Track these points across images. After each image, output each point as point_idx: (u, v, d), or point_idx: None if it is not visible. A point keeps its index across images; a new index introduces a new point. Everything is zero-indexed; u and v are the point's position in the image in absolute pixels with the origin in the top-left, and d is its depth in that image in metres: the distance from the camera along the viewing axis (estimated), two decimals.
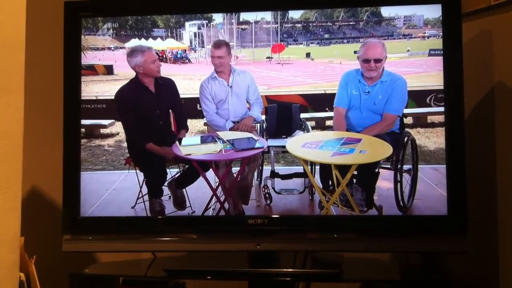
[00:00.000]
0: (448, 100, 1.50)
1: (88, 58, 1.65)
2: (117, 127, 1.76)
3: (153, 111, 1.75)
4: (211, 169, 1.70)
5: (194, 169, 1.70)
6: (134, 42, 1.73)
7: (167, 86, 1.74)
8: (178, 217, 1.69)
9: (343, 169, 1.61)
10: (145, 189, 1.70)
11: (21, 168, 1.20)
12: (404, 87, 1.64)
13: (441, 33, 1.52)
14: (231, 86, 1.79)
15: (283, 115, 1.82)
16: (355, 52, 1.66)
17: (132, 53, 1.70)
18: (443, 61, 1.51)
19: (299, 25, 1.81)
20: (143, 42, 1.73)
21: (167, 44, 1.81)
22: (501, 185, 1.57)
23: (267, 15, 1.70)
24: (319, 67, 1.88)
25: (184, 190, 1.75)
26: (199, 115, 1.81)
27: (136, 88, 1.72)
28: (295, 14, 1.74)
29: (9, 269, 1.17)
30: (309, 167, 1.69)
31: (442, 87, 1.51)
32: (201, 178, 1.69)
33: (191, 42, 1.87)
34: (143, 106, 1.74)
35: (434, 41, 1.56)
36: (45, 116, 1.91)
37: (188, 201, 1.72)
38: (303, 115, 1.83)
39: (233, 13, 1.68)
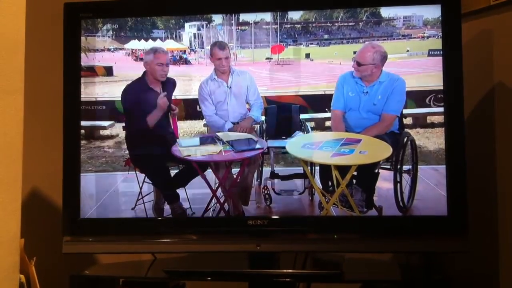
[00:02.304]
0: (448, 100, 1.50)
1: (88, 59, 1.65)
2: (117, 129, 1.76)
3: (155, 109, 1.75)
4: (210, 170, 1.70)
5: (188, 171, 1.70)
6: (133, 44, 1.73)
7: (169, 84, 1.74)
8: (178, 219, 1.69)
9: (343, 169, 1.60)
10: (145, 190, 1.70)
11: (21, 170, 1.20)
12: (403, 87, 1.64)
13: (440, 33, 1.51)
14: (230, 87, 1.79)
15: (282, 116, 1.82)
16: (354, 52, 1.66)
17: (148, 51, 1.71)
18: (442, 62, 1.51)
19: (299, 25, 1.80)
20: (142, 44, 1.73)
21: (166, 45, 1.81)
22: (501, 184, 1.57)
23: (267, 16, 1.70)
24: (318, 68, 1.88)
25: (185, 192, 1.75)
26: (198, 116, 1.81)
27: (141, 87, 1.73)
28: (294, 15, 1.74)
29: (9, 271, 1.17)
30: (309, 167, 1.68)
31: (441, 88, 1.51)
32: (200, 179, 1.68)
33: (190, 43, 1.86)
34: (146, 103, 1.74)
35: (434, 41, 1.56)
36: (45, 118, 1.91)
37: (188, 202, 1.72)
38: (302, 116, 1.83)
39: (233, 14, 1.68)
